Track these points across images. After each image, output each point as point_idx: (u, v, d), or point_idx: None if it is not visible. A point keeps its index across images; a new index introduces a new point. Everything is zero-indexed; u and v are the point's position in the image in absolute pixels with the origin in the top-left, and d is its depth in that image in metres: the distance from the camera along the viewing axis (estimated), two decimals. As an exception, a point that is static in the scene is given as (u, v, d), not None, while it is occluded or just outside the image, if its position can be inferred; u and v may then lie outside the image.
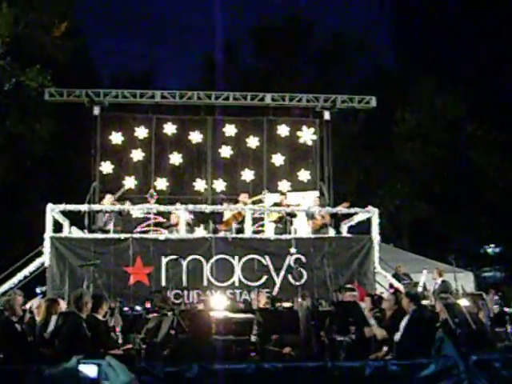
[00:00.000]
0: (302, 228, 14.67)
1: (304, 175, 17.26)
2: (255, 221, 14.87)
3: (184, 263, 12.85)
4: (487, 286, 16.92)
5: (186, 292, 12.64)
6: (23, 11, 17.73)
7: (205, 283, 12.92)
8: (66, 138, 23.23)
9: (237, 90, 18.78)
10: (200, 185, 16.90)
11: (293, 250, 12.93)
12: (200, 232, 14.70)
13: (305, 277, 12.98)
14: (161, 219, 15.44)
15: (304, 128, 17.42)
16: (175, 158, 16.94)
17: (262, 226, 15.57)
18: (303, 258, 13.14)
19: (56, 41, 18.79)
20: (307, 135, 17.41)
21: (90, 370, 5.01)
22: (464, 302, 9.10)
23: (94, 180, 16.39)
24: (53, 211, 13.13)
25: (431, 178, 27.88)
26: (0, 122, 19.01)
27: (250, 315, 9.88)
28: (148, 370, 5.44)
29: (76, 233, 13.89)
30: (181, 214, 13.58)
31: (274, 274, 13.14)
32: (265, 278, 13.09)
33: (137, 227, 15.62)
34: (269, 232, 14.66)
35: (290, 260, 13.09)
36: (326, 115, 17.42)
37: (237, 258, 13.14)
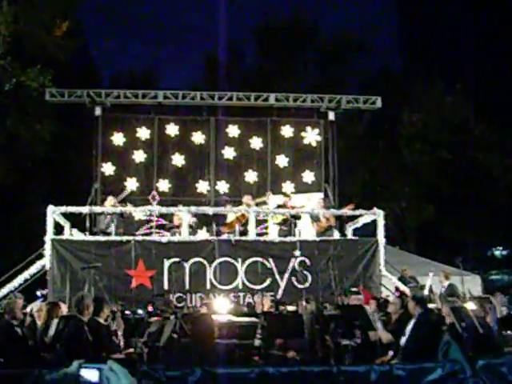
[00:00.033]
0: (306, 230, 14.48)
1: (308, 177, 17.18)
2: (259, 223, 14.81)
3: (187, 266, 12.72)
4: (494, 289, 16.81)
5: (188, 295, 12.54)
6: (24, 10, 17.64)
7: (208, 286, 12.78)
8: (67, 138, 23.26)
9: (240, 90, 18.76)
10: (203, 186, 16.83)
11: (297, 253, 12.83)
12: (203, 234, 14.54)
13: (309, 280, 12.86)
14: (163, 221, 15.33)
15: (308, 129, 17.34)
16: (178, 159, 16.87)
17: (266, 228, 15.58)
18: (308, 261, 13.03)
19: (57, 40, 18.72)
20: (312, 136, 17.33)
21: (91, 374, 4.99)
22: (471, 306, 9.13)
23: (95, 181, 16.38)
24: (54, 213, 13.00)
25: (438, 180, 27.87)
26: (0, 122, 18.92)
27: (253, 319, 9.94)
28: (150, 374, 5.40)
29: (77, 235, 13.74)
30: (183, 215, 13.43)
31: (278, 277, 13.00)
32: (269, 281, 12.95)
33: (139, 229, 15.60)
34: (273, 234, 14.58)
35: (294, 263, 12.98)
36: (331, 116, 17.38)
37: (240, 260, 13.01)
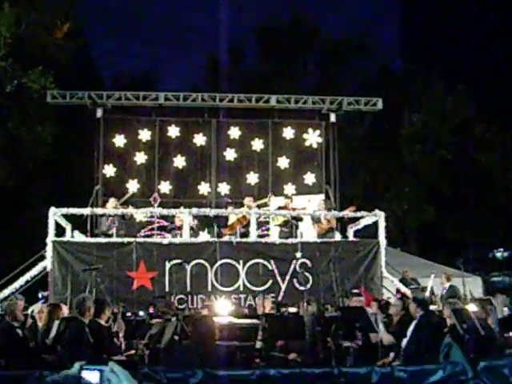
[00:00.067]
0: (307, 232, 14.48)
1: (310, 178, 17.15)
2: (260, 225, 14.81)
3: (188, 268, 12.69)
4: (495, 290, 16.76)
5: (189, 297, 12.52)
6: (25, 12, 17.60)
7: (209, 288, 12.77)
8: (69, 140, 23.18)
9: (241, 91, 18.68)
10: (204, 188, 16.80)
11: (298, 255, 12.78)
12: (204, 236, 14.54)
13: (310, 282, 12.78)
14: (164, 223, 15.33)
15: (310, 130, 17.30)
16: (179, 161, 16.84)
17: (267, 230, 15.54)
18: (309, 263, 13.01)
19: (58, 42, 18.67)
20: (313, 138, 17.29)
21: (92, 376, 5.00)
22: (472, 308, 9.00)
23: (96, 183, 16.33)
24: (55, 215, 13.00)
25: (438, 181, 27.83)
26: (1, 124, 18.88)
27: (254, 321, 9.86)
28: (151, 376, 5.48)
29: (78, 237, 13.75)
30: (185, 217, 13.42)
31: (279, 278, 12.99)
32: (270, 282, 12.93)
33: (140, 231, 15.57)
34: (274, 236, 14.56)
35: (295, 264, 12.96)
36: (332, 117, 17.35)
37: (241, 262, 13.00)
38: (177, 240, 13.27)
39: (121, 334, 8.96)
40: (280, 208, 14.52)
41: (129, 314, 10.53)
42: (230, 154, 17.04)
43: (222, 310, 11.04)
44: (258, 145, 17.13)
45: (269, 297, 11.76)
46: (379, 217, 13.88)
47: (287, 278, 12.94)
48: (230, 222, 14.26)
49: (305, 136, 17.27)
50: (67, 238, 13.56)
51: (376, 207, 14.54)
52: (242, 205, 14.90)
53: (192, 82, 34.44)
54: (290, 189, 16.95)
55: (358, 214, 14.27)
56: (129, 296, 12.24)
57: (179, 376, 5.55)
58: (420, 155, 27.99)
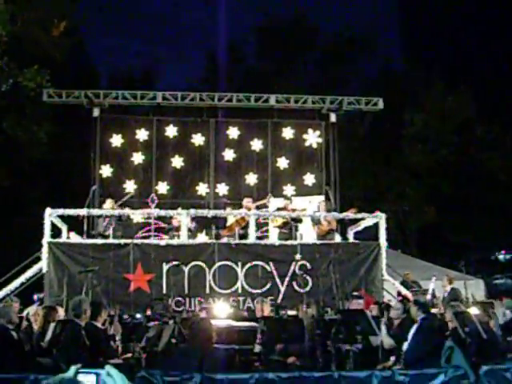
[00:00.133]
0: (307, 234, 14.38)
1: (309, 179, 17.10)
2: (259, 226, 14.65)
3: (186, 270, 12.57)
4: (498, 293, 16.71)
5: (187, 299, 12.38)
6: (21, 9, 17.52)
7: (207, 290, 12.63)
8: (65, 140, 23.21)
9: (240, 91, 18.63)
10: (202, 189, 16.75)
11: (298, 257, 12.72)
12: (202, 238, 14.49)
13: (310, 284, 12.68)
14: (162, 224, 15.25)
15: (309, 130, 17.27)
16: (177, 162, 16.79)
17: (267, 231, 15.43)
18: (308, 265, 12.87)
19: (54, 40, 18.55)
20: (313, 138, 17.26)
21: (88, 379, 4.95)
22: (474, 311, 9.09)
23: (93, 184, 16.19)
24: (51, 216, 12.85)
25: (440, 181, 27.86)
26: (-3, 123, 18.77)
27: (253, 323, 10.03)
28: (148, 380, 5.42)
29: (75, 238, 13.66)
30: (182, 218, 13.29)
31: (278, 281, 12.85)
32: (269, 285, 12.80)
33: (137, 232, 15.50)
34: (273, 238, 14.45)
35: (294, 267, 12.84)
36: (333, 117, 17.31)
37: (240, 264, 12.86)
38: (174, 241, 13.15)
39: (117, 337, 8.92)
40: (279, 209, 14.42)
41: (125, 316, 10.58)
42: (229, 155, 17.00)
43: (221, 313, 11.17)
44: (257, 145, 17.09)
45: (268, 300, 11.67)
46: (380, 218, 13.75)
47: (286, 280, 12.80)
48: (228, 224, 14.17)
49: (304, 136, 17.23)
50: (63, 239, 13.44)
51: (376, 208, 14.46)
52: (240, 206, 14.77)
53: (190, 81, 34.42)
54: (289, 190, 16.92)
55: (359, 216, 14.16)
56: (125, 298, 12.13)
57: (176, 380, 5.49)
58: (421, 155, 28.01)
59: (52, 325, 8.50)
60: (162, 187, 16.58)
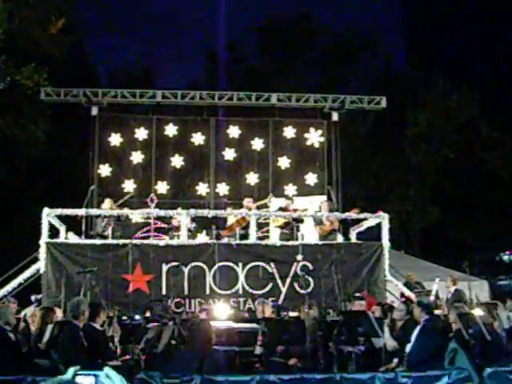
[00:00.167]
0: (309, 234, 14.28)
1: (311, 179, 17.05)
2: (260, 226, 14.61)
3: (185, 270, 12.46)
4: (502, 294, 16.61)
5: (187, 300, 12.27)
6: (18, 7, 17.44)
7: (207, 291, 12.51)
8: (63, 139, 23.24)
9: (241, 89, 18.58)
10: (202, 189, 16.72)
11: (299, 257, 12.61)
12: (202, 238, 14.42)
13: (312, 285, 12.56)
14: (161, 224, 15.22)
15: (311, 130, 17.23)
16: (176, 161, 16.74)
17: (268, 231, 15.34)
18: (310, 266, 12.74)
19: (52, 37, 18.47)
20: (314, 137, 17.21)
21: (86, 381, 4.89)
22: (478, 312, 8.90)
23: (91, 183, 16.21)
24: (49, 216, 12.74)
25: (443, 181, 27.90)
26: (-6, 122, 18.68)
27: (254, 325, 9.95)
28: (147, 381, 5.43)
29: (73, 238, 13.54)
30: (182, 218, 13.16)
31: (279, 281, 12.73)
32: (270, 286, 12.68)
33: (137, 233, 15.49)
34: (274, 238, 14.32)
35: (296, 267, 12.70)
36: (335, 116, 17.28)
37: (241, 265, 12.74)
38: (174, 242, 13.07)
39: (116, 339, 8.94)
40: (280, 209, 14.31)
41: (124, 317, 10.56)
42: (229, 154, 16.96)
43: (221, 314, 11.17)
44: (258, 144, 17.04)
45: (268, 302, 11.56)
46: (383, 218, 13.64)
47: (288, 281, 12.69)
48: (228, 224, 14.08)
49: (306, 135, 17.19)
50: (61, 239, 13.33)
51: (379, 208, 14.35)
52: (241, 206, 14.68)
53: (190, 79, 34.44)
54: (290, 189, 16.88)
55: (361, 216, 14.07)
56: (124, 299, 12.05)
57: (176, 381, 5.48)
58: (424, 155, 28.06)
59: (50, 326, 8.44)
60: (162, 187, 16.53)
